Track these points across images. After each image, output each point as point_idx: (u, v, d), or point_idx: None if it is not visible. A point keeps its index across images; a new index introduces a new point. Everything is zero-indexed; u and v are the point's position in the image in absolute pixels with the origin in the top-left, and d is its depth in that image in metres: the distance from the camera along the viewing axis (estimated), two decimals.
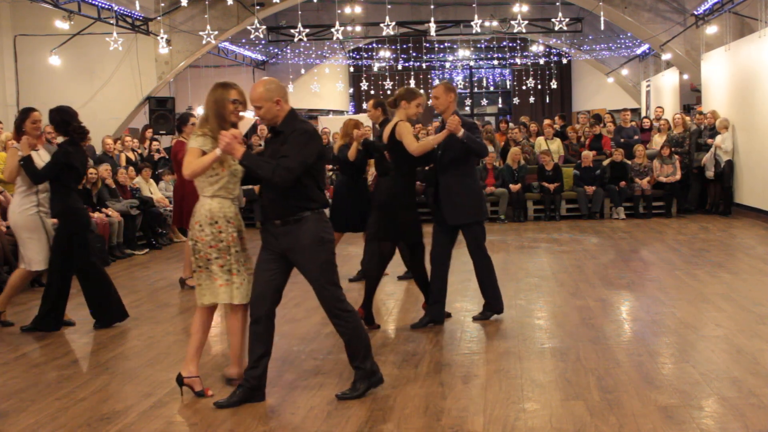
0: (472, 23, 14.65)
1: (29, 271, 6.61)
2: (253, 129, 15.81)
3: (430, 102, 6.62)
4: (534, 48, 24.90)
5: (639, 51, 21.78)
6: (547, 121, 15.63)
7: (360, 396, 4.47)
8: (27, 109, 6.53)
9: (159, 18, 14.99)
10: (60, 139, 6.56)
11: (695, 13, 15.53)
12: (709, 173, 13.47)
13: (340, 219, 8.04)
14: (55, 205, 6.44)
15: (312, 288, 4.44)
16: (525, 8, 15.95)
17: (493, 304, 6.34)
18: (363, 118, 10.87)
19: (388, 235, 6.10)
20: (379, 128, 8.06)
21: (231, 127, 4.39)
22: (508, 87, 28.59)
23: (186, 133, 8.12)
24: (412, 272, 6.48)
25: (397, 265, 6.49)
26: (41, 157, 6.43)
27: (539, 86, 25.89)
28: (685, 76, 17.81)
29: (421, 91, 6.33)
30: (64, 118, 6.39)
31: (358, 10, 18.41)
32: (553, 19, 14.74)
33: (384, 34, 16.43)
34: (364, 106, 18.86)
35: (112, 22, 14.07)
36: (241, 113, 4.49)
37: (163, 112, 15.64)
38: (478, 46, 27.08)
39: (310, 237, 4.32)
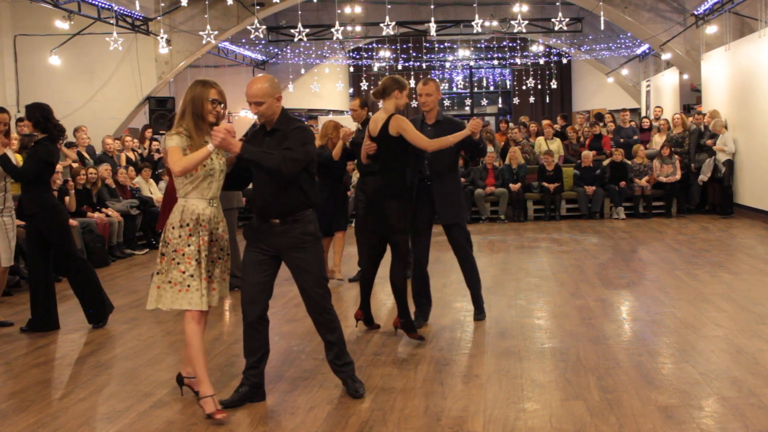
0: (472, 23, 14.63)
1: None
2: (254, 128, 15.81)
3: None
4: (534, 48, 24.88)
5: (639, 51, 21.77)
6: (546, 121, 15.63)
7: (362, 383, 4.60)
8: None
9: (159, 18, 14.99)
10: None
11: (695, 13, 15.52)
12: (703, 177, 13.44)
13: (325, 222, 7.80)
14: (32, 203, 6.34)
15: (304, 286, 4.39)
16: (525, 8, 15.93)
17: (481, 299, 6.40)
18: (343, 120, 10.57)
19: (375, 228, 5.82)
20: (362, 127, 8.03)
21: (209, 127, 4.23)
22: (508, 87, 28.57)
23: None
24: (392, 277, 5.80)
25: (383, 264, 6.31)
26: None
27: (539, 86, 25.87)
28: (685, 76, 17.81)
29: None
30: (45, 115, 6.34)
31: (358, 10, 18.39)
32: (553, 19, 14.73)
33: (384, 34, 16.43)
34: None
35: (112, 22, 14.07)
36: (236, 114, 4.39)
37: (163, 112, 15.64)
38: (478, 46, 27.07)
39: (310, 234, 4.36)
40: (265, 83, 4.29)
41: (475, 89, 28.98)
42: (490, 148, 14.08)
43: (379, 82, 5.72)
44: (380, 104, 5.79)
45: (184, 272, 4.20)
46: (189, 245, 4.21)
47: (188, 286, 4.21)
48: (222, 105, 4.29)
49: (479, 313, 6.36)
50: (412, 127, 5.58)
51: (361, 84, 25.95)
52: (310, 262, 4.37)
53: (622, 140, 14.65)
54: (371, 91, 5.96)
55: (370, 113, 8.14)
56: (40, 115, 6.33)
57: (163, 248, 4.26)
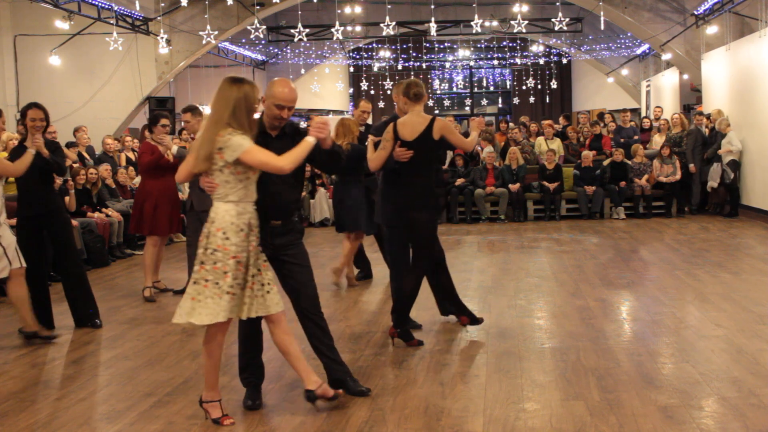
0: (472, 23, 14.65)
1: None
2: None
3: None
4: (534, 48, 24.90)
5: (639, 51, 21.78)
6: (547, 122, 15.63)
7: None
8: None
9: (159, 18, 15.00)
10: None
11: (695, 13, 15.53)
12: (713, 183, 13.32)
13: (363, 218, 7.67)
14: (43, 204, 6.29)
15: (302, 280, 4.39)
16: (525, 8, 15.95)
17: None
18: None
19: (407, 240, 5.65)
20: (363, 130, 8.05)
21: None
22: (508, 87, 28.60)
23: (156, 134, 7.57)
24: (404, 280, 5.71)
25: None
26: None
27: (539, 86, 25.88)
28: (685, 76, 17.81)
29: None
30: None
31: (358, 10, 18.41)
32: (553, 19, 14.74)
33: (384, 34, 16.44)
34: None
35: (112, 22, 14.08)
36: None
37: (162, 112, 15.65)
38: (478, 46, 27.08)
39: (300, 232, 4.48)
40: (295, 89, 4.30)
41: (475, 89, 28.99)
42: (489, 148, 14.08)
43: (409, 85, 5.50)
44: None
45: (236, 278, 4.00)
46: (242, 251, 4.01)
47: (233, 295, 4.00)
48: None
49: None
50: (455, 129, 5.57)
51: (361, 84, 25.96)
52: (304, 257, 4.45)
53: (622, 140, 14.64)
54: (409, 94, 5.51)
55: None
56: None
57: (212, 255, 3.97)
